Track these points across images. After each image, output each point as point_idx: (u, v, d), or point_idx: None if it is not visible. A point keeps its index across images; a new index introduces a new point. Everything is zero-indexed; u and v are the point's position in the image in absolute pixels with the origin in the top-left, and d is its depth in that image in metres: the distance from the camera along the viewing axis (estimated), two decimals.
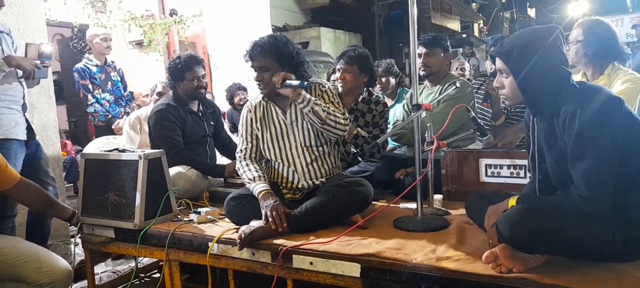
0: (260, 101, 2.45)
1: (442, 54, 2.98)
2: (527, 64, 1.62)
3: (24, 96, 2.73)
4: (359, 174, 2.72)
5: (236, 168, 2.49)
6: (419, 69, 2.94)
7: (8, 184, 2.19)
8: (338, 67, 2.96)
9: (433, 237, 1.97)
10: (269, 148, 2.40)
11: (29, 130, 2.74)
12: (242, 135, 2.46)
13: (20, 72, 2.62)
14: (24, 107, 2.73)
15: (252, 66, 2.36)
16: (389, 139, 3.17)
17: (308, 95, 2.24)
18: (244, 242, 2.02)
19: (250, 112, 2.45)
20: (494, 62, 1.81)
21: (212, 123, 3.21)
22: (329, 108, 2.26)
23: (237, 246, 2.04)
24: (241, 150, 2.44)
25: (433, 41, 2.97)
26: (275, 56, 2.29)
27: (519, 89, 1.67)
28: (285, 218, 2.10)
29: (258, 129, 2.42)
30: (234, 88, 5.77)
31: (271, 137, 2.39)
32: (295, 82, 2.20)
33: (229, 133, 3.61)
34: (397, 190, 2.53)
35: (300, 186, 2.39)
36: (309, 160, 2.37)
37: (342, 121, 2.28)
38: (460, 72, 5.54)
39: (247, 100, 5.66)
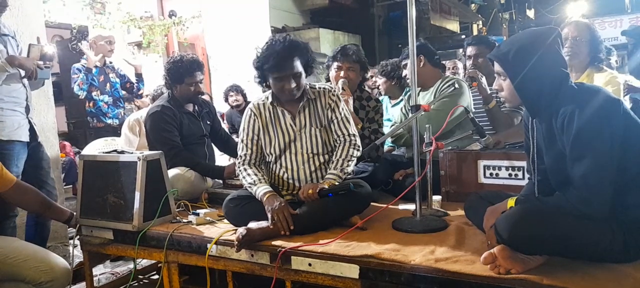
0: (267, 103, 2.36)
1: (422, 64, 2.89)
2: (523, 66, 1.62)
3: (27, 98, 2.75)
4: (357, 175, 2.71)
5: (236, 172, 2.45)
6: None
7: (4, 187, 2.19)
8: (339, 64, 2.87)
9: (432, 238, 1.97)
10: (274, 152, 2.35)
11: (32, 131, 2.76)
12: (242, 140, 2.38)
13: (22, 74, 2.63)
14: (27, 109, 2.76)
15: (289, 73, 2.22)
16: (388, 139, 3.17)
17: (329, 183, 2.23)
18: (242, 243, 2.02)
19: (254, 114, 2.36)
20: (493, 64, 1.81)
21: (208, 122, 3.19)
22: (340, 160, 2.29)
23: (235, 247, 2.04)
24: (241, 157, 2.37)
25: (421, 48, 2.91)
26: (304, 63, 2.28)
27: (516, 91, 1.67)
28: (292, 220, 2.08)
29: (262, 132, 2.35)
30: (228, 89, 5.76)
31: (278, 142, 2.34)
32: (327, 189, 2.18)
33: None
34: (396, 191, 2.53)
35: None
36: (313, 168, 2.35)
37: (355, 152, 2.33)
38: (453, 72, 5.53)
39: (243, 103, 5.62)
